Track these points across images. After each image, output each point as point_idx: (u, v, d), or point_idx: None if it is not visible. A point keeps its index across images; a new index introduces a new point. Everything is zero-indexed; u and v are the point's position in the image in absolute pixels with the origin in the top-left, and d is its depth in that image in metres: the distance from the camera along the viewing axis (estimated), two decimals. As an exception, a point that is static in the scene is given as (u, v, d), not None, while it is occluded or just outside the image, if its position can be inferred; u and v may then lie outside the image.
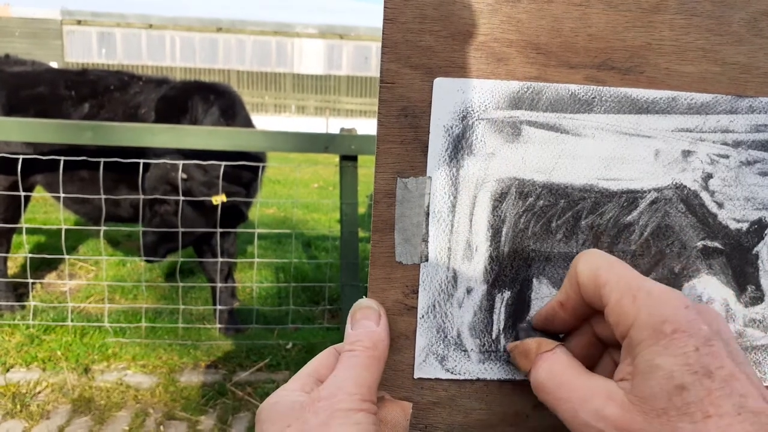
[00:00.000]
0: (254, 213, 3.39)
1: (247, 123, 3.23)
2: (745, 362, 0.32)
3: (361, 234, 3.38)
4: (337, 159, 2.86)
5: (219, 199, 2.80)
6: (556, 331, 0.42)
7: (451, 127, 0.41)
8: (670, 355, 0.31)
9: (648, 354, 0.32)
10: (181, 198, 2.78)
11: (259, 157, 3.02)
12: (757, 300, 0.45)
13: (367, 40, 17.57)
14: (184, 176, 2.78)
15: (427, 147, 0.41)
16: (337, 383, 0.38)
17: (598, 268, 0.36)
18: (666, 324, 0.32)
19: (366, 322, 0.41)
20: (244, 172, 2.91)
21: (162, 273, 3.90)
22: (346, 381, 0.38)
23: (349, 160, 2.76)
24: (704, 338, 0.31)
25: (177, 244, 2.96)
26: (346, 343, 0.41)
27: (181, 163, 2.78)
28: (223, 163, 2.75)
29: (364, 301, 0.43)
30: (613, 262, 0.37)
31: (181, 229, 2.85)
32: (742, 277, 0.45)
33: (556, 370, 0.38)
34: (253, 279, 3.80)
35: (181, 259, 3.10)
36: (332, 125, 14.62)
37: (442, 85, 0.41)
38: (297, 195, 6.50)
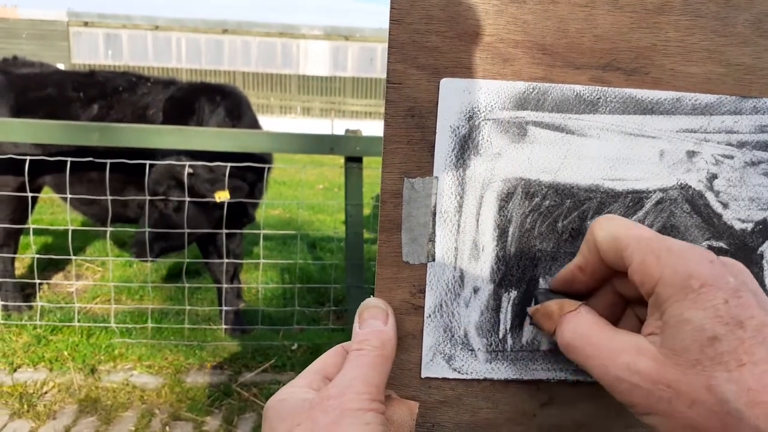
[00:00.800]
0: (260, 214, 3.40)
1: (254, 124, 3.24)
2: None
3: (366, 235, 3.38)
4: (342, 160, 2.86)
5: (222, 196, 2.80)
6: (576, 294, 0.42)
7: (458, 128, 0.42)
8: (699, 308, 0.32)
9: (677, 309, 0.32)
10: (187, 198, 2.79)
11: (264, 158, 3.03)
12: (762, 300, 0.45)
13: (372, 42, 17.58)
14: (191, 170, 2.78)
15: (434, 147, 0.42)
16: (346, 382, 0.38)
17: (616, 232, 0.37)
18: (692, 279, 0.32)
19: (374, 322, 0.41)
20: (248, 173, 2.91)
21: (168, 274, 3.91)
22: (354, 380, 0.38)
23: (354, 161, 2.77)
24: (732, 290, 0.32)
25: (173, 242, 2.94)
26: (354, 342, 0.41)
27: (188, 163, 2.80)
28: (229, 164, 2.76)
29: (371, 301, 0.43)
30: (630, 224, 0.37)
31: (187, 230, 2.86)
32: (747, 277, 0.45)
33: (582, 329, 0.38)
34: (258, 280, 3.81)
35: (187, 260, 3.11)
36: (337, 126, 14.63)
37: (448, 86, 0.41)
38: (302, 196, 6.51)
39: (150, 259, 2.98)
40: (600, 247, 0.38)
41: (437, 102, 0.41)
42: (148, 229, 2.86)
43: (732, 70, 0.42)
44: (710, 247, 0.44)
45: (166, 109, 3.10)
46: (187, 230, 2.87)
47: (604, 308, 0.41)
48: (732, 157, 0.43)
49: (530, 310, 0.43)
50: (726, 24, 0.41)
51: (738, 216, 0.44)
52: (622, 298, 0.41)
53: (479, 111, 0.42)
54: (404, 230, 0.43)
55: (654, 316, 0.35)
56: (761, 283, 0.45)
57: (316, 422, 0.36)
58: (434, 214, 0.43)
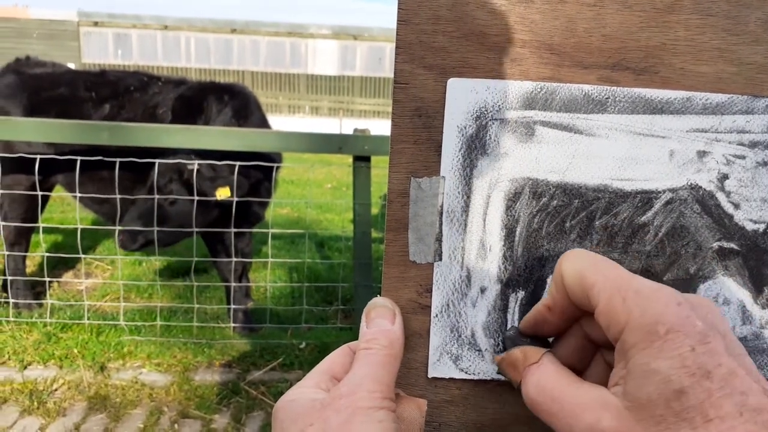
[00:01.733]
0: (268, 213, 3.40)
1: (262, 123, 3.24)
2: (743, 354, 0.31)
3: (374, 234, 3.38)
4: (350, 159, 2.87)
5: (223, 193, 2.79)
6: (545, 335, 0.41)
7: (465, 127, 0.41)
8: (665, 357, 0.30)
9: (642, 357, 0.31)
10: (194, 197, 2.80)
11: (273, 157, 3.03)
12: (773, 301, 0.45)
13: (380, 41, 17.58)
14: (197, 167, 2.79)
15: (441, 147, 0.42)
16: (357, 381, 0.38)
17: (583, 270, 0.35)
18: (659, 324, 0.31)
19: (381, 321, 0.41)
20: (251, 170, 2.90)
21: (177, 272, 3.93)
22: (365, 379, 0.37)
23: (362, 160, 2.77)
24: (700, 335, 0.30)
25: (163, 236, 2.92)
26: (362, 341, 0.40)
27: (195, 162, 2.81)
28: (238, 163, 2.77)
29: (378, 300, 0.43)
30: (597, 262, 0.35)
31: (196, 230, 2.87)
32: (758, 278, 0.44)
33: (544, 384, 0.36)
34: (267, 279, 3.82)
35: (196, 259, 3.12)
36: (346, 126, 14.65)
37: (455, 86, 0.41)
38: (310, 195, 6.52)
39: (135, 247, 2.94)
40: (567, 284, 0.36)
41: (444, 102, 0.41)
42: (157, 228, 2.87)
43: (744, 69, 0.42)
44: (721, 248, 0.44)
45: (175, 108, 3.12)
46: (176, 229, 2.86)
47: (573, 352, 0.39)
48: (744, 157, 0.43)
49: (497, 359, 0.42)
50: (737, 22, 0.41)
51: (750, 217, 0.44)
52: (592, 342, 0.39)
53: (487, 111, 0.41)
54: (411, 230, 0.43)
55: (620, 364, 0.33)
56: (772, 285, 0.44)
57: (329, 422, 0.35)
58: (441, 214, 0.43)
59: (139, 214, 2.89)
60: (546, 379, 0.37)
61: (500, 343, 0.43)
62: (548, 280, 0.44)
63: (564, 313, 0.38)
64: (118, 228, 2.95)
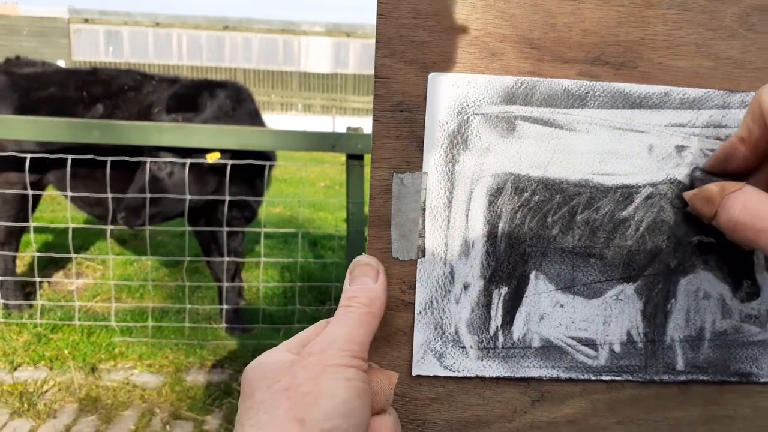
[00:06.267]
0: (261, 212, 3.40)
1: (256, 115, 3.23)
2: None
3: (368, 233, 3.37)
4: (343, 158, 2.86)
5: (213, 157, 2.78)
6: (735, 172, 0.41)
7: (447, 123, 0.41)
8: None
9: None
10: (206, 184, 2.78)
11: (267, 155, 3.02)
12: (752, 295, 0.45)
13: (374, 38, 17.57)
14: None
15: (423, 142, 0.42)
16: (329, 339, 0.37)
17: None
18: None
19: (364, 279, 0.41)
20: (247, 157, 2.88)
21: (168, 272, 3.92)
22: (338, 337, 0.37)
23: (355, 158, 2.76)
24: None
25: (164, 209, 2.89)
26: (343, 299, 0.40)
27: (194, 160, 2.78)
28: (230, 162, 2.76)
29: (363, 258, 0.43)
30: None
31: (195, 197, 2.85)
32: (737, 272, 0.45)
33: (750, 205, 0.37)
34: (259, 278, 3.81)
35: (188, 258, 3.11)
36: (339, 124, 14.63)
37: (436, 80, 0.41)
38: (303, 194, 6.51)
39: (138, 222, 2.90)
40: (765, 113, 0.36)
41: (426, 97, 0.41)
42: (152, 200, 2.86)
43: (720, 64, 0.42)
44: (701, 243, 0.44)
45: (170, 106, 3.10)
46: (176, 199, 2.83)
47: (765, 189, 0.39)
48: (721, 152, 0.43)
49: (687, 194, 0.42)
50: (714, 17, 0.41)
51: (728, 211, 0.44)
52: None
53: (468, 106, 0.41)
54: (394, 226, 0.43)
55: None
56: (752, 280, 0.45)
57: (296, 377, 0.35)
58: (424, 210, 0.43)
59: (140, 188, 2.86)
60: (751, 202, 0.37)
61: (690, 182, 0.43)
62: (531, 276, 0.44)
63: (757, 145, 0.38)
64: (109, 228, 2.93)
